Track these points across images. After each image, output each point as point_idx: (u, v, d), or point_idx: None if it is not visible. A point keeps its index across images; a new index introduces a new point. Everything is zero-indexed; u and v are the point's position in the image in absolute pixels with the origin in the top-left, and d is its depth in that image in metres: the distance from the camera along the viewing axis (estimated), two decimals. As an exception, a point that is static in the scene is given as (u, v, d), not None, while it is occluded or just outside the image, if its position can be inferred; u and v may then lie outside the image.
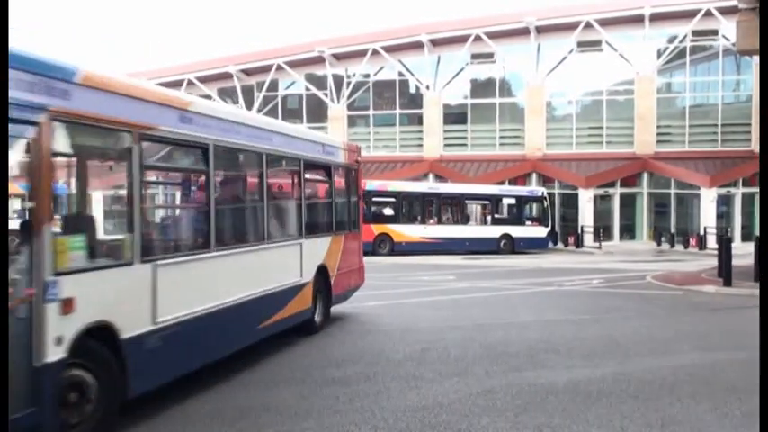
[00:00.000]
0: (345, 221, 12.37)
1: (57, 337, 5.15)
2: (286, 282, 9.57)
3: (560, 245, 35.36)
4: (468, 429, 5.97)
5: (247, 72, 42.57)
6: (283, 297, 9.45)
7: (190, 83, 42.04)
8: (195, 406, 6.82)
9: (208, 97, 40.93)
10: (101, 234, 6.50)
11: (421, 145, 40.15)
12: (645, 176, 37.38)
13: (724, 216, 35.70)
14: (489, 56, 38.61)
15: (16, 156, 5.10)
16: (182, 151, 7.65)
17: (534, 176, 38.01)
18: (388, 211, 30.56)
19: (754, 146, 33.09)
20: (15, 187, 6.92)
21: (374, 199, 29.40)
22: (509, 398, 6.93)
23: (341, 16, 76.05)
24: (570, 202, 37.62)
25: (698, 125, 37.29)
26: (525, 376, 7.85)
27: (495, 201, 32.84)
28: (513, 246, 31.43)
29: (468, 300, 15.09)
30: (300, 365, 8.55)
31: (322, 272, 10.88)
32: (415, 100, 41.58)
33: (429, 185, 34.95)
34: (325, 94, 41.46)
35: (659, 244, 35.26)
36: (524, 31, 37.28)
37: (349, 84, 41.17)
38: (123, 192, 6.46)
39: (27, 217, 5.18)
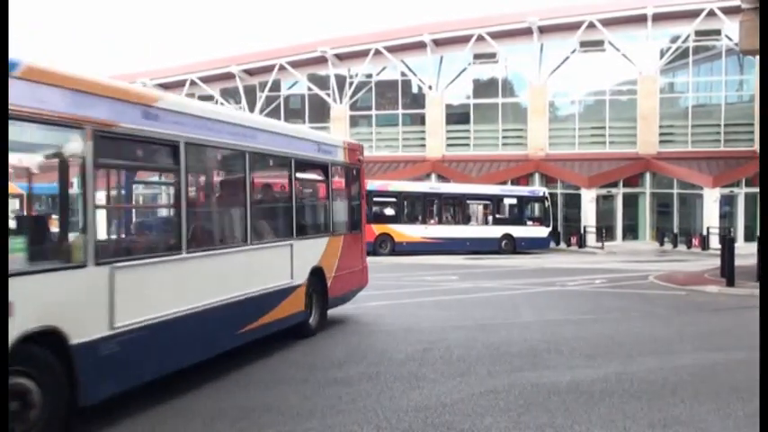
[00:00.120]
0: (345, 222, 12.08)
1: None
2: (273, 284, 9.26)
3: (563, 245, 35.39)
4: (471, 429, 5.96)
5: (250, 72, 42.60)
6: (270, 300, 9.16)
7: (192, 83, 42.13)
8: (196, 404, 6.81)
9: (210, 97, 41.08)
10: (49, 235, 6.20)
11: (423, 145, 40.16)
12: (648, 176, 37.37)
13: (727, 216, 35.71)
14: (492, 56, 38.62)
15: None
16: (148, 149, 7.28)
17: (537, 176, 38.03)
18: (390, 211, 30.56)
19: (757, 146, 33.03)
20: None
21: (375, 199, 29.37)
22: (512, 398, 6.92)
23: (343, 16, 76.18)
24: (573, 202, 37.62)
25: (701, 125, 37.28)
26: (528, 376, 7.83)
27: (497, 201, 32.84)
28: (514, 246, 31.45)
29: (470, 300, 15.07)
30: (302, 365, 8.52)
31: (317, 273, 10.58)
32: (417, 100, 41.59)
33: (430, 185, 34.92)
34: (328, 95, 41.47)
35: (662, 244, 35.24)
36: (527, 31, 37.29)
37: (351, 84, 41.19)
38: (75, 191, 6.13)
39: None
